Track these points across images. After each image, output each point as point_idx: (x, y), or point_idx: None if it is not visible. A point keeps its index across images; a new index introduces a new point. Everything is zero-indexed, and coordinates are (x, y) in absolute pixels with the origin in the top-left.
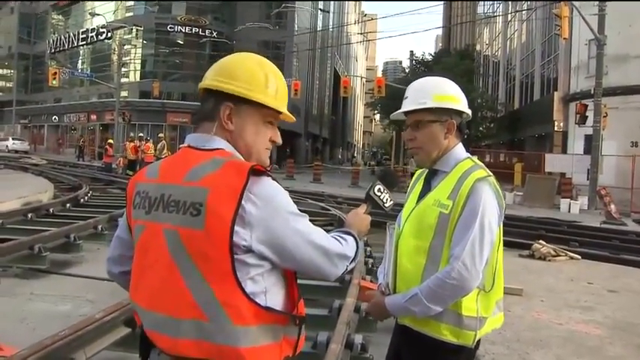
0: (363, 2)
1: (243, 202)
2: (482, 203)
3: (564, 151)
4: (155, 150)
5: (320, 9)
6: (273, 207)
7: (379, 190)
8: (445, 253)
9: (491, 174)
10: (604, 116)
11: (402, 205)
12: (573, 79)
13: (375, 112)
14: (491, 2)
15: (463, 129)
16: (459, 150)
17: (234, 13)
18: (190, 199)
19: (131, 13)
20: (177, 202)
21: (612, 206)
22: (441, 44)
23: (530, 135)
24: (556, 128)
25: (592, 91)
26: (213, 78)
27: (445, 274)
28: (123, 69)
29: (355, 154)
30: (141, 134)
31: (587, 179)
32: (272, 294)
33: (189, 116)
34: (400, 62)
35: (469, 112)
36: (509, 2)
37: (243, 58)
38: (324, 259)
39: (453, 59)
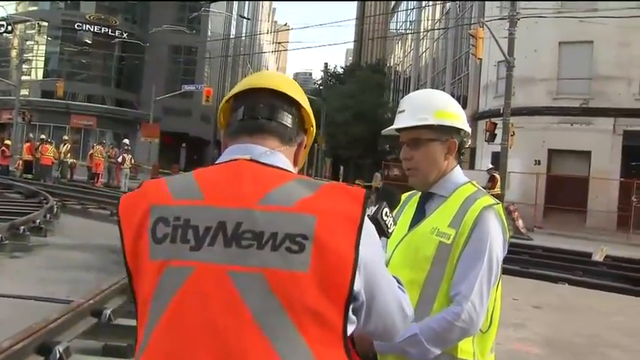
0: (277, 11)
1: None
2: (489, 235)
3: (472, 167)
4: (59, 153)
5: (240, 15)
6: (376, 245)
7: (386, 213)
8: (444, 287)
9: (498, 202)
10: (511, 135)
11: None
12: (482, 98)
13: None
14: (403, 20)
15: (462, 149)
16: (458, 173)
17: (146, 15)
18: (285, 230)
19: (35, 8)
20: (257, 233)
21: (520, 222)
22: (351, 58)
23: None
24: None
25: (501, 111)
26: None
27: (454, 315)
28: (24, 66)
29: None
30: (42, 136)
31: None
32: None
33: (94, 119)
34: (310, 74)
35: (469, 130)
36: (422, 21)
37: None
38: (402, 322)
39: (365, 73)
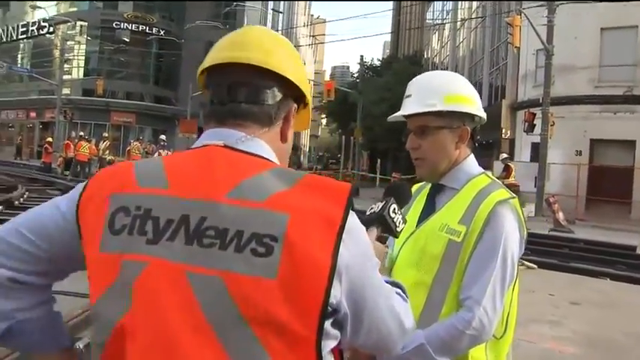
0: (312, 4)
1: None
2: (504, 233)
3: (511, 158)
4: (98, 150)
5: (273, 9)
6: (362, 248)
7: (394, 210)
8: (453, 289)
9: (514, 195)
10: (551, 125)
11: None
12: (521, 88)
13: (323, 116)
14: (440, 10)
15: (476, 136)
16: (471, 163)
17: (182, 12)
18: (252, 229)
19: (75, 8)
20: (220, 230)
21: (560, 214)
22: (388, 50)
23: (477, 142)
24: (503, 136)
25: (540, 100)
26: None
27: (464, 323)
28: (65, 65)
29: (302, 158)
30: (81, 133)
31: (535, 187)
32: None
33: (133, 116)
34: (348, 67)
35: (484, 115)
36: (458, 10)
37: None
38: (400, 333)
39: (402, 65)
